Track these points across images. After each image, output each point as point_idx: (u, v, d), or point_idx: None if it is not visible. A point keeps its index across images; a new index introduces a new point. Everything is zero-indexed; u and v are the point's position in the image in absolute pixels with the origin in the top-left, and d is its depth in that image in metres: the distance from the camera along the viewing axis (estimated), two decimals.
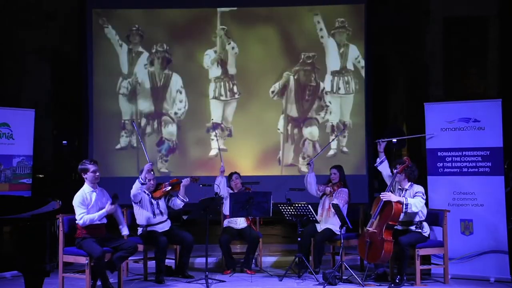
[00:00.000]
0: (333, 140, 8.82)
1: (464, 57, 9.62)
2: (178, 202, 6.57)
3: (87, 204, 5.69)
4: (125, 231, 5.92)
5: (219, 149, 7.49)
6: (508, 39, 9.34)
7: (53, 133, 9.83)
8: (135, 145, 9.45)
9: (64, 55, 10.15)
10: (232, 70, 9.60)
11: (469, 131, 6.58)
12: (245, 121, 9.55)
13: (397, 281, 5.92)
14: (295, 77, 9.55)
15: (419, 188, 6.12)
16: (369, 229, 5.99)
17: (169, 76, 9.55)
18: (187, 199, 6.55)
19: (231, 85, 9.59)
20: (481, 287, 6.10)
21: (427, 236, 6.13)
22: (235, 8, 9.57)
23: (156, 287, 6.11)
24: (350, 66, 9.49)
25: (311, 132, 9.53)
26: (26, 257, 3.90)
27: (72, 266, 6.46)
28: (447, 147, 6.68)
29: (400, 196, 6.05)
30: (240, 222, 6.84)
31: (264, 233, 7.66)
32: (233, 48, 9.57)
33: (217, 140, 7.76)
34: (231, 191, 6.84)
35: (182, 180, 6.51)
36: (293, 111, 9.54)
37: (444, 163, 6.70)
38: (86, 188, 5.79)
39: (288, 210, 6.49)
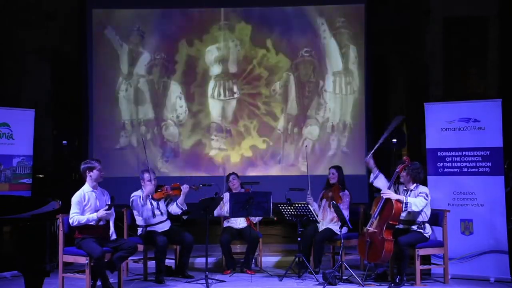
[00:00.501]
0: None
1: (464, 57, 9.62)
2: (175, 209, 6.57)
3: (83, 205, 5.69)
4: (113, 236, 5.85)
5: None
6: (508, 39, 9.33)
7: (53, 133, 9.83)
8: (135, 145, 9.46)
9: (64, 55, 10.15)
10: (232, 68, 9.60)
11: (469, 131, 6.58)
12: (245, 120, 9.54)
13: (397, 280, 5.92)
14: (295, 75, 9.55)
15: (423, 189, 6.11)
16: (369, 228, 5.98)
17: (168, 84, 9.54)
18: (185, 208, 6.54)
19: (231, 84, 9.59)
20: (481, 287, 6.10)
21: (428, 237, 6.13)
22: (239, 8, 9.58)
23: (156, 287, 6.11)
24: (351, 66, 9.49)
25: (311, 131, 9.53)
26: (26, 257, 3.89)
27: (72, 266, 6.46)
28: (447, 147, 6.68)
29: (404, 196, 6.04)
30: (240, 222, 6.84)
31: (264, 233, 7.66)
32: (236, 45, 9.58)
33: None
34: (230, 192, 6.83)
35: (181, 187, 6.51)
36: (293, 109, 9.54)
37: (444, 163, 6.70)
38: (86, 188, 5.79)
39: (288, 210, 6.49)
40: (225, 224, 6.93)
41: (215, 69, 9.62)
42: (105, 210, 5.66)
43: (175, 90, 9.56)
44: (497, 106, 6.51)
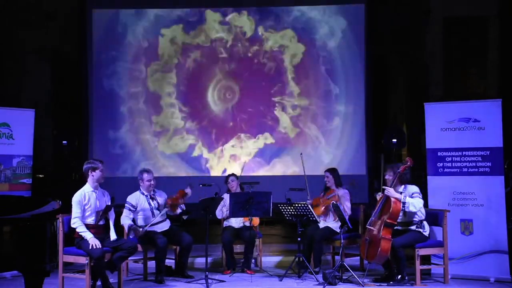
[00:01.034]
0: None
1: (464, 57, 9.61)
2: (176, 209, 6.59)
3: (83, 204, 5.70)
4: (112, 236, 5.83)
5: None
6: (508, 39, 9.33)
7: (53, 133, 9.82)
8: (135, 144, 9.47)
9: (64, 55, 10.14)
10: (232, 67, 9.61)
11: (469, 131, 6.58)
12: (244, 120, 9.55)
13: (398, 278, 5.92)
14: (295, 73, 9.56)
15: (414, 189, 6.11)
16: (369, 227, 6.00)
17: (168, 84, 9.56)
18: (184, 208, 6.55)
19: (230, 83, 9.59)
20: (481, 287, 6.10)
21: (427, 235, 6.13)
22: (239, 8, 9.58)
23: (156, 287, 6.11)
24: (351, 66, 9.49)
25: (311, 130, 9.53)
26: (26, 257, 3.89)
27: (72, 266, 6.46)
28: (447, 147, 6.68)
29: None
30: (238, 222, 6.83)
31: (264, 233, 7.66)
32: (237, 43, 9.60)
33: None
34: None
35: (186, 191, 6.52)
36: (293, 107, 9.55)
37: (444, 163, 6.70)
38: (86, 188, 5.80)
39: (288, 210, 6.48)
40: (225, 224, 6.93)
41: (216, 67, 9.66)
42: (97, 240, 5.60)
43: (174, 94, 9.60)
44: (497, 106, 6.51)
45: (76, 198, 5.70)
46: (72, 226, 5.68)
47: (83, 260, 5.64)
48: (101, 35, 9.52)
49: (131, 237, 6.39)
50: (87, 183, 5.83)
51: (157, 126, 9.55)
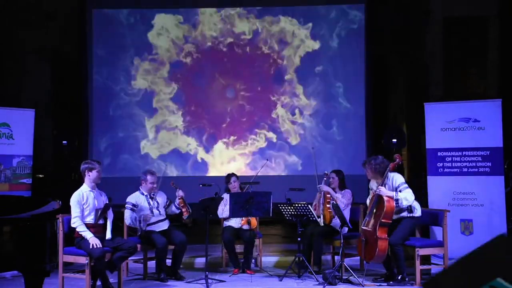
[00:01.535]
0: None
1: (464, 57, 9.61)
2: (174, 210, 6.61)
3: (82, 204, 5.71)
4: (108, 235, 5.84)
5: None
6: (508, 39, 9.32)
7: (53, 133, 9.81)
8: (135, 144, 9.47)
9: (64, 55, 10.14)
10: (232, 66, 9.61)
11: (469, 131, 6.58)
12: (244, 119, 9.55)
13: (399, 278, 5.92)
14: (295, 72, 9.56)
15: (399, 179, 6.00)
16: (364, 227, 5.98)
17: (168, 84, 9.56)
18: (190, 210, 6.55)
19: (229, 82, 9.60)
20: None
21: (419, 215, 6.06)
22: (238, 8, 9.58)
23: (156, 287, 6.11)
24: (351, 66, 9.49)
25: (311, 130, 9.54)
26: (26, 257, 3.90)
27: (72, 266, 6.46)
28: (447, 147, 6.68)
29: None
30: (236, 221, 6.83)
31: (264, 233, 7.66)
32: (236, 42, 9.60)
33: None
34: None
35: (179, 194, 6.54)
36: (292, 107, 9.55)
37: (444, 163, 6.70)
38: (84, 188, 5.82)
39: (288, 210, 6.48)
40: (225, 223, 6.92)
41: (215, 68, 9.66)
42: (97, 240, 5.62)
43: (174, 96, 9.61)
44: (497, 106, 6.51)
45: (74, 198, 5.71)
46: (72, 225, 5.69)
47: (83, 260, 5.64)
48: (101, 35, 9.52)
49: (137, 234, 6.38)
50: (84, 183, 5.85)
51: (156, 125, 9.55)
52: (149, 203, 6.42)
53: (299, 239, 6.43)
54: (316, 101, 9.54)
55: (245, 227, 6.69)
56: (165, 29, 9.61)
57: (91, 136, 9.42)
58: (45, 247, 3.97)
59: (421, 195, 6.96)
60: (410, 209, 6.02)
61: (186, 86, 9.62)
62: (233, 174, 7.09)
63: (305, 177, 8.81)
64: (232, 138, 9.55)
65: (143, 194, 6.45)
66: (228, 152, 9.52)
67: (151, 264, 6.51)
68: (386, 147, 8.87)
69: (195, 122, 9.59)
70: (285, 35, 9.60)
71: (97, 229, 5.74)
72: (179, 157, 9.53)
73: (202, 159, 9.52)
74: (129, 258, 6.16)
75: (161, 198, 6.55)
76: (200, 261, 7.04)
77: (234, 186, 6.95)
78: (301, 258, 6.36)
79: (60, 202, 4.39)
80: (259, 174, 7.33)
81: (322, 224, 6.61)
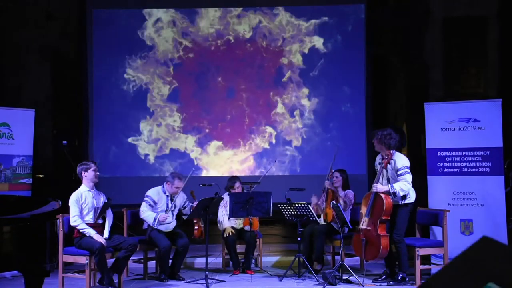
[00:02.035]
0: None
1: (464, 57, 9.62)
2: (187, 211, 6.61)
3: (80, 203, 5.73)
4: (105, 234, 5.83)
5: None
6: (508, 39, 9.33)
7: (53, 133, 9.82)
8: (135, 144, 9.47)
9: (64, 55, 10.14)
10: (232, 66, 9.61)
11: (469, 131, 6.58)
12: (244, 119, 9.55)
13: (399, 278, 5.93)
14: (295, 73, 9.56)
15: (400, 161, 5.92)
16: (363, 227, 5.96)
17: (168, 83, 9.56)
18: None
19: (230, 83, 9.60)
20: None
21: (413, 202, 6.02)
22: (239, 7, 9.59)
23: (156, 287, 6.12)
24: (351, 66, 9.49)
25: (311, 130, 9.54)
26: (26, 257, 3.90)
27: (72, 266, 6.46)
28: (447, 147, 6.68)
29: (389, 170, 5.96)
30: (237, 222, 6.82)
31: (264, 233, 7.66)
32: (237, 42, 9.60)
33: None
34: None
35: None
36: (292, 107, 9.55)
37: (444, 163, 6.70)
38: (82, 188, 5.84)
39: (288, 210, 6.48)
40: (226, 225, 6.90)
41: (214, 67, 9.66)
42: (100, 236, 5.66)
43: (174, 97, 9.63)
44: (497, 106, 6.51)
45: (72, 198, 5.74)
46: (73, 224, 5.68)
47: (83, 260, 5.65)
48: (101, 35, 9.52)
49: (146, 236, 6.39)
50: (82, 184, 5.87)
51: (156, 125, 9.55)
52: (167, 205, 6.42)
53: (299, 239, 6.43)
54: (316, 101, 9.54)
55: (247, 228, 6.69)
56: (165, 29, 9.61)
57: (91, 136, 9.42)
58: (45, 247, 3.97)
59: (421, 195, 6.95)
60: (403, 195, 5.96)
61: (186, 85, 9.62)
62: (237, 179, 7.00)
63: (305, 177, 8.83)
64: (231, 138, 9.55)
65: (165, 193, 6.44)
66: (228, 152, 9.51)
67: (151, 264, 6.51)
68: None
69: (195, 122, 9.58)
70: (285, 35, 9.59)
71: (96, 229, 5.75)
72: (178, 157, 9.53)
73: (201, 159, 9.51)
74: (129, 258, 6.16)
75: (180, 200, 6.54)
76: (200, 261, 7.04)
77: (239, 190, 6.90)
78: (301, 258, 6.36)
79: (60, 202, 4.39)
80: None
81: (323, 223, 6.61)
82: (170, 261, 6.47)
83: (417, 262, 5.98)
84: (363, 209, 6.01)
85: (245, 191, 6.88)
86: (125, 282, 6.12)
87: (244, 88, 9.60)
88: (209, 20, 9.63)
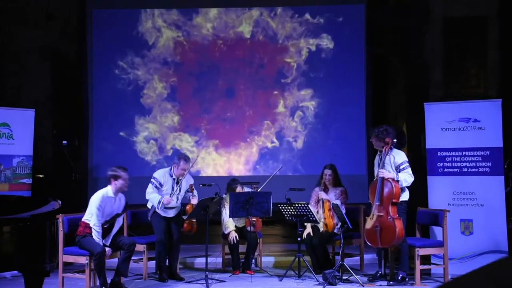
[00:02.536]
0: None
1: (464, 57, 9.61)
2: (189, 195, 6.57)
3: (102, 210, 5.70)
4: (108, 241, 5.85)
5: None
6: (508, 39, 9.32)
7: (53, 133, 9.82)
8: (135, 144, 9.47)
9: (64, 55, 10.14)
10: (233, 66, 9.61)
11: (469, 131, 6.58)
12: (244, 120, 9.55)
13: (399, 278, 5.92)
14: (295, 73, 9.56)
15: (399, 157, 6.01)
16: (376, 213, 5.90)
17: (168, 83, 9.56)
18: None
19: (230, 83, 9.60)
20: None
21: (407, 199, 6.04)
22: (239, 7, 9.59)
23: (156, 287, 6.11)
24: (351, 66, 9.49)
25: (311, 130, 9.53)
26: (26, 257, 3.90)
27: (72, 266, 6.46)
28: (447, 147, 6.69)
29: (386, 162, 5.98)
30: (238, 221, 6.82)
31: (264, 233, 7.66)
32: (237, 42, 9.60)
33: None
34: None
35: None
36: (292, 107, 9.55)
37: (444, 163, 6.70)
38: (108, 192, 5.80)
39: (288, 210, 6.48)
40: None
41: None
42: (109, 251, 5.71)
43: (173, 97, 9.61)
44: (497, 106, 6.51)
45: (96, 202, 5.69)
46: (87, 221, 5.64)
47: (83, 260, 5.65)
48: (101, 35, 9.52)
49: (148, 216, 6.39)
50: (109, 186, 5.83)
51: (156, 125, 9.55)
52: (173, 188, 6.40)
53: (299, 239, 6.43)
54: (316, 101, 9.54)
55: (249, 228, 6.68)
56: (165, 28, 9.61)
57: (91, 136, 9.42)
58: (45, 247, 3.97)
59: (421, 195, 6.95)
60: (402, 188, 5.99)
61: (186, 85, 9.62)
62: (237, 183, 6.92)
63: (305, 177, 8.82)
64: (231, 138, 9.54)
65: (171, 176, 6.43)
66: (227, 152, 9.51)
67: (151, 264, 6.51)
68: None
69: (195, 122, 9.58)
70: (285, 35, 9.59)
71: (103, 232, 5.74)
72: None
73: (201, 159, 9.51)
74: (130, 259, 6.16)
75: (186, 183, 6.50)
76: (200, 261, 7.04)
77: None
78: (301, 258, 6.36)
79: (60, 202, 4.39)
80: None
81: (323, 230, 6.58)
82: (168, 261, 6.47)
83: (417, 262, 5.98)
84: (371, 198, 6.00)
85: (250, 190, 6.83)
86: (125, 282, 6.12)
87: (244, 88, 9.60)
88: (209, 19, 9.62)
